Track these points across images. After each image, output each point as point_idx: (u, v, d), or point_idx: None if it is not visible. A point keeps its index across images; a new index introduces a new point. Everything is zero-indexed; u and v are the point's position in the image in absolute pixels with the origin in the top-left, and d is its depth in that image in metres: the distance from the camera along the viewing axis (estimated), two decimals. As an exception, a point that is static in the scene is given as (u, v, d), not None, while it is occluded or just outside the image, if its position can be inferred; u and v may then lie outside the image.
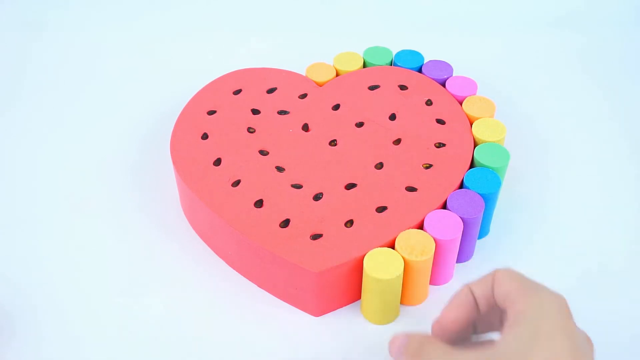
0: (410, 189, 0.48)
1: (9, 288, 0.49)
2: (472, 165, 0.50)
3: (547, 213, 0.54)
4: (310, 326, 0.47)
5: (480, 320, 0.38)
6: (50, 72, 0.68)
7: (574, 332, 0.34)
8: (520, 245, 0.52)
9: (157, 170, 0.57)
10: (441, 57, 0.60)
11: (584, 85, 0.67)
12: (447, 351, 0.35)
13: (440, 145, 0.51)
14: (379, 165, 0.50)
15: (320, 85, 0.57)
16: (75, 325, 0.47)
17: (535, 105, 0.64)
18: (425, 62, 0.58)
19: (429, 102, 0.55)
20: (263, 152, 0.51)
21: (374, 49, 0.60)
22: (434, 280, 0.48)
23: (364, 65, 0.59)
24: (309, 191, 0.48)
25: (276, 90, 0.56)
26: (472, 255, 0.51)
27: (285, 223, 0.46)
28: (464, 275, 0.49)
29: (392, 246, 0.45)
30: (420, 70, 0.58)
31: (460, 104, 0.55)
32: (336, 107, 0.55)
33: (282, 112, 0.54)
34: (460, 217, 0.45)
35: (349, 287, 0.46)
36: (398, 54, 0.59)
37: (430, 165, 0.50)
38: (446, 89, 0.56)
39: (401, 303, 0.47)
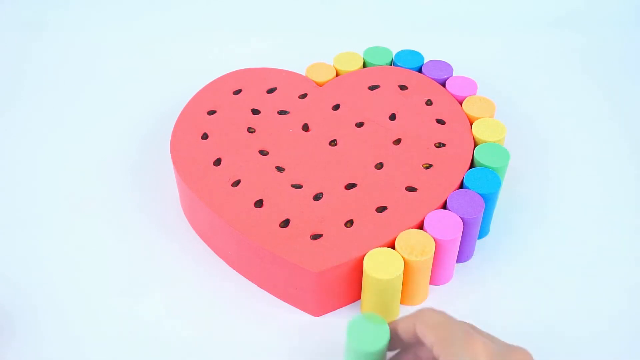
0: (410, 189, 0.48)
1: (9, 288, 0.49)
2: (472, 165, 0.50)
3: (547, 213, 0.54)
4: (310, 326, 0.47)
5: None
6: (50, 72, 0.68)
7: None
8: (520, 245, 0.52)
9: (157, 170, 0.57)
10: (441, 57, 0.60)
11: (584, 85, 0.67)
12: None
13: (440, 145, 0.51)
14: (379, 165, 0.50)
15: (320, 85, 0.57)
16: (75, 325, 0.47)
17: (535, 105, 0.64)
18: (425, 62, 0.58)
19: (429, 102, 0.55)
20: (263, 152, 0.51)
21: (374, 49, 0.60)
22: (434, 280, 0.48)
23: (364, 65, 0.59)
24: (309, 191, 0.48)
25: (276, 90, 0.56)
26: (472, 255, 0.51)
27: (285, 223, 0.46)
28: (464, 275, 0.50)
29: (392, 246, 0.45)
30: (420, 70, 0.58)
31: (460, 104, 0.55)
32: (336, 107, 0.55)
33: (282, 112, 0.54)
34: (460, 217, 0.45)
35: (349, 287, 0.46)
36: (398, 54, 0.59)
37: (430, 165, 0.50)
38: (446, 89, 0.56)
39: (401, 303, 0.47)
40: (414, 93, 0.55)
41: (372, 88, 0.56)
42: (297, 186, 0.49)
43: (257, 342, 0.46)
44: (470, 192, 0.47)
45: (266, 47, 0.70)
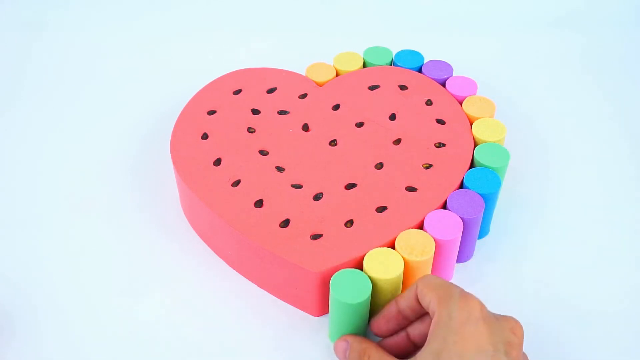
0: (410, 189, 0.48)
1: (9, 288, 0.49)
2: (472, 165, 0.50)
3: (547, 213, 0.54)
4: (310, 326, 0.47)
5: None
6: (50, 72, 0.68)
7: (483, 347, 0.35)
8: (520, 245, 0.52)
9: (157, 170, 0.57)
10: (441, 57, 0.60)
11: (584, 85, 0.67)
12: (383, 355, 0.40)
13: (440, 145, 0.51)
14: (379, 165, 0.50)
15: (320, 85, 0.57)
16: (75, 325, 0.47)
17: (535, 105, 0.64)
18: (425, 62, 0.58)
19: (429, 102, 0.55)
20: (263, 152, 0.51)
21: (374, 49, 0.60)
22: (434, 280, 0.48)
23: (364, 65, 0.59)
24: (309, 191, 0.48)
25: (276, 90, 0.56)
26: (472, 255, 0.51)
27: (285, 223, 0.46)
28: (464, 275, 0.50)
29: (392, 246, 0.45)
30: (420, 70, 0.58)
31: (460, 104, 0.55)
32: (336, 107, 0.55)
33: (282, 112, 0.54)
34: (460, 217, 0.45)
35: (349, 287, 0.46)
36: (398, 54, 0.59)
37: (430, 165, 0.50)
38: (446, 89, 0.56)
39: (401, 303, 0.47)
40: (414, 93, 0.55)
41: (372, 88, 0.56)
42: (297, 186, 0.49)
43: (257, 342, 0.46)
44: (470, 192, 0.47)
45: (266, 47, 0.70)
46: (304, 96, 0.56)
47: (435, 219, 0.45)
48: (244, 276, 0.50)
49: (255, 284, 0.49)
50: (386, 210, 0.47)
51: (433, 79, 0.57)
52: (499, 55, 0.70)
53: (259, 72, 0.58)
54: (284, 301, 0.48)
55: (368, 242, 0.45)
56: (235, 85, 0.57)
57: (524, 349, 0.39)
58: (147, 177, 0.57)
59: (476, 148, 0.50)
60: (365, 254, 0.43)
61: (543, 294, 0.48)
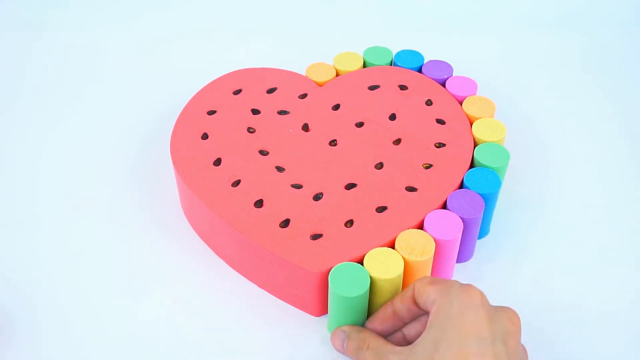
0: (410, 189, 0.48)
1: (9, 288, 0.49)
2: (472, 165, 0.50)
3: (547, 213, 0.54)
4: (310, 326, 0.47)
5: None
6: (50, 72, 0.68)
7: (482, 334, 0.35)
8: (520, 245, 0.52)
9: (157, 170, 0.57)
10: (441, 57, 0.60)
11: (584, 85, 0.67)
12: (382, 344, 0.40)
13: (440, 145, 0.51)
14: (379, 165, 0.50)
15: (320, 85, 0.57)
16: (75, 325, 0.47)
17: (535, 105, 0.64)
18: (425, 62, 0.58)
19: (429, 102, 0.55)
20: (263, 152, 0.51)
21: (374, 49, 0.60)
22: (434, 280, 0.48)
23: (364, 65, 0.59)
24: (309, 191, 0.48)
25: (276, 90, 0.56)
26: (472, 255, 0.51)
27: (285, 223, 0.46)
28: (464, 275, 0.50)
29: (392, 246, 0.45)
30: (420, 70, 0.58)
31: (460, 104, 0.55)
32: (336, 107, 0.55)
33: (282, 112, 0.54)
34: (460, 217, 0.45)
35: (349, 287, 0.46)
36: (398, 54, 0.59)
37: (430, 165, 0.50)
38: (446, 89, 0.56)
39: (401, 303, 0.47)
40: (414, 93, 0.55)
41: (372, 88, 0.56)
42: (297, 186, 0.49)
43: (257, 342, 0.46)
44: (470, 192, 0.47)
45: (266, 47, 0.70)
46: (304, 96, 0.56)
47: (435, 219, 0.45)
48: (244, 276, 0.50)
49: (255, 284, 0.49)
50: (386, 210, 0.47)
51: (433, 79, 0.57)
52: (499, 55, 0.70)
53: (259, 72, 0.58)
54: (284, 301, 0.48)
55: (368, 242, 0.45)
56: (235, 85, 0.57)
57: (523, 343, 0.39)
58: (147, 177, 0.57)
59: (476, 148, 0.50)
60: (365, 254, 0.43)
61: (543, 294, 0.48)
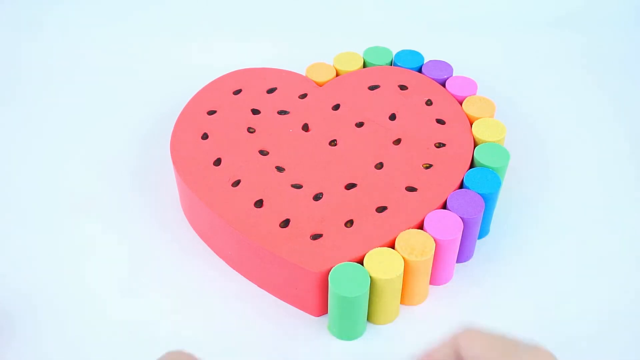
0: (410, 189, 0.48)
1: (8, 288, 0.49)
2: (472, 165, 0.50)
3: (547, 213, 0.54)
4: (310, 326, 0.47)
5: None
6: (50, 73, 0.68)
7: None
8: (520, 245, 0.52)
9: (157, 170, 0.57)
10: (441, 57, 0.60)
11: (584, 85, 0.67)
12: None
13: (440, 145, 0.51)
14: (379, 165, 0.50)
15: (320, 85, 0.57)
16: (75, 325, 0.47)
17: (535, 105, 0.64)
18: (425, 62, 0.58)
19: (429, 102, 0.55)
20: (263, 152, 0.51)
21: (374, 49, 0.60)
22: (434, 280, 0.48)
23: (364, 65, 0.59)
24: (309, 191, 0.48)
25: (276, 90, 0.56)
26: (472, 255, 0.51)
27: (285, 223, 0.46)
28: (464, 275, 0.50)
29: (392, 246, 0.45)
30: (420, 70, 0.58)
31: (460, 104, 0.55)
32: (336, 107, 0.55)
33: (282, 112, 0.54)
34: (460, 217, 0.45)
35: (349, 287, 0.46)
36: (398, 54, 0.59)
37: (430, 165, 0.50)
38: (446, 89, 0.56)
39: (401, 303, 0.47)
40: (414, 93, 0.55)
41: (372, 88, 0.56)
42: (297, 186, 0.49)
43: (257, 342, 0.46)
44: (470, 192, 0.47)
45: (266, 47, 0.70)
46: (304, 96, 0.56)
47: (435, 219, 0.45)
48: (244, 276, 0.50)
49: (255, 284, 0.49)
50: (386, 210, 0.47)
51: (433, 79, 0.57)
52: (499, 55, 0.70)
53: (259, 72, 0.58)
54: (284, 301, 0.48)
55: (368, 242, 0.45)
56: (235, 85, 0.57)
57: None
58: (147, 177, 0.57)
59: (476, 148, 0.50)
60: (365, 254, 0.44)
61: (543, 294, 0.48)
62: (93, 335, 0.46)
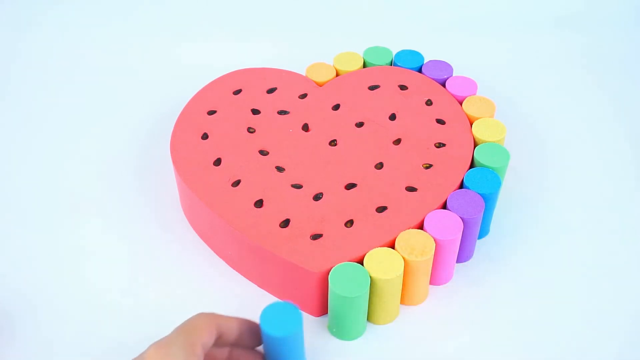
0: (410, 189, 0.48)
1: (8, 288, 0.49)
2: (472, 165, 0.50)
3: (547, 213, 0.54)
4: (310, 326, 0.47)
5: None
6: (50, 73, 0.68)
7: None
8: (520, 245, 0.52)
9: (157, 171, 0.57)
10: (441, 57, 0.60)
11: (584, 86, 0.67)
12: None
13: (440, 145, 0.51)
14: (379, 165, 0.50)
15: (320, 85, 0.57)
16: (76, 325, 0.47)
17: (535, 105, 0.64)
18: (425, 62, 0.58)
19: (429, 102, 0.55)
20: (263, 152, 0.51)
21: (374, 49, 0.60)
22: (434, 280, 0.48)
23: (364, 65, 0.59)
24: (309, 191, 0.48)
25: (276, 90, 0.56)
26: (472, 255, 0.51)
27: (285, 223, 0.46)
28: (464, 275, 0.49)
29: (392, 246, 0.45)
30: (420, 70, 0.58)
31: (460, 104, 0.55)
32: (336, 107, 0.55)
33: (282, 112, 0.54)
34: (460, 217, 0.45)
35: (349, 287, 0.46)
36: (398, 54, 0.59)
37: (430, 165, 0.50)
38: (446, 89, 0.56)
39: (401, 303, 0.47)
40: (414, 93, 0.55)
41: (372, 88, 0.56)
42: (297, 186, 0.49)
43: (257, 342, 0.46)
44: (470, 192, 0.47)
45: (266, 47, 0.70)
46: (304, 96, 0.56)
47: (435, 219, 0.45)
48: (244, 276, 0.50)
49: (255, 284, 0.49)
50: (386, 210, 0.47)
51: (433, 79, 0.57)
52: (498, 55, 0.70)
53: (259, 72, 0.58)
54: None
55: (368, 242, 0.45)
56: (235, 85, 0.57)
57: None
58: (147, 177, 0.57)
59: (476, 148, 0.50)
60: (365, 254, 0.43)
61: (543, 294, 0.48)
62: (93, 335, 0.46)
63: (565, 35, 0.72)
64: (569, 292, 0.49)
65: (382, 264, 0.43)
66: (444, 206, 0.47)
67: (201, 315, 0.39)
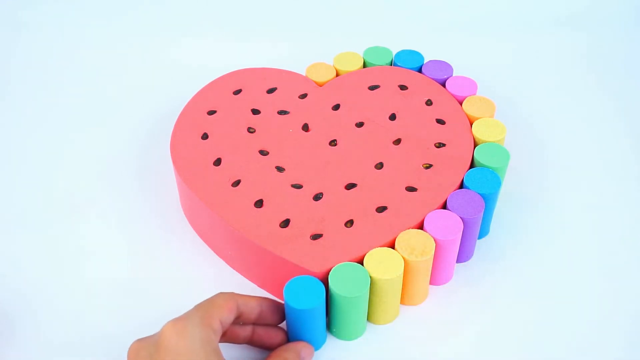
0: (410, 189, 0.48)
1: (8, 289, 0.49)
2: (472, 165, 0.50)
3: (547, 213, 0.54)
4: (310, 326, 0.47)
5: None
6: (50, 73, 0.68)
7: None
8: (520, 245, 0.52)
9: (157, 171, 0.57)
10: (441, 57, 0.60)
11: (584, 85, 0.67)
12: None
13: (440, 145, 0.51)
14: (379, 165, 0.50)
15: (320, 85, 0.57)
16: (76, 326, 0.47)
17: (535, 105, 0.64)
18: (425, 62, 0.58)
19: (429, 102, 0.55)
20: (263, 152, 0.51)
21: (374, 49, 0.60)
22: (434, 280, 0.48)
23: (364, 65, 0.59)
24: (309, 191, 0.48)
25: (276, 90, 0.56)
26: (472, 255, 0.51)
27: (285, 223, 0.46)
28: (464, 275, 0.49)
29: (392, 246, 0.45)
30: (420, 70, 0.58)
31: (460, 104, 0.55)
32: (336, 107, 0.55)
33: (282, 112, 0.54)
34: (460, 217, 0.45)
35: (349, 287, 0.46)
36: (398, 54, 0.59)
37: (430, 165, 0.50)
38: (446, 89, 0.56)
39: (401, 303, 0.47)
40: (414, 93, 0.55)
41: (372, 88, 0.56)
42: (297, 186, 0.49)
43: (257, 342, 0.46)
44: (470, 192, 0.47)
45: (266, 47, 0.70)
46: (304, 96, 0.56)
47: (435, 219, 0.45)
48: (244, 276, 0.50)
49: (255, 284, 0.49)
50: (386, 210, 0.47)
51: (433, 79, 0.57)
52: (499, 55, 0.70)
53: (259, 72, 0.58)
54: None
55: (368, 242, 0.44)
56: (235, 85, 0.57)
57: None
58: (147, 178, 0.57)
59: (476, 148, 0.50)
60: (365, 254, 0.43)
61: (543, 294, 0.48)
62: (93, 336, 0.46)
63: (565, 35, 0.72)
64: (569, 292, 0.49)
65: (382, 264, 0.43)
66: (444, 206, 0.47)
67: (221, 294, 0.40)
